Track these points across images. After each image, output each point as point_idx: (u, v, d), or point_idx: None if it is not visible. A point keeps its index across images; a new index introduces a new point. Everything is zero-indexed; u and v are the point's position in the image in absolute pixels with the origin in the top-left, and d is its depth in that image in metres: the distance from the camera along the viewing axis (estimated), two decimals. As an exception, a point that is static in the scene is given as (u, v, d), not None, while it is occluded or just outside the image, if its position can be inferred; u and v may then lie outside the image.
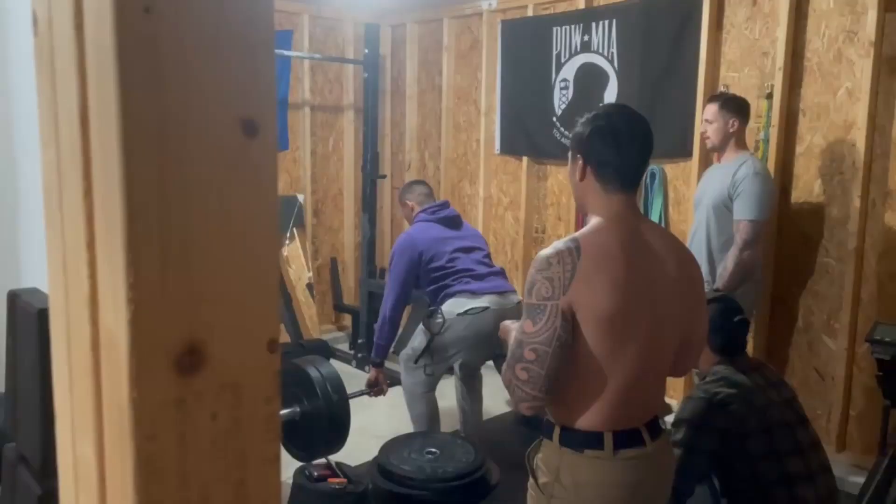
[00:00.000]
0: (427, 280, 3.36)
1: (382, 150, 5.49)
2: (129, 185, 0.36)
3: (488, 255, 3.51)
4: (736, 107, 3.17)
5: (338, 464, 2.79)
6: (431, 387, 3.40)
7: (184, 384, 0.39)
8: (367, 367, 4.78)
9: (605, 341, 1.57)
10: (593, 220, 1.68)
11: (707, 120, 3.21)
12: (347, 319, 5.50)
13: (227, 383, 0.40)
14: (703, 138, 3.30)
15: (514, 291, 3.41)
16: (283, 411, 3.20)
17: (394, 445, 3.13)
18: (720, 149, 3.22)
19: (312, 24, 5.14)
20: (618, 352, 1.59)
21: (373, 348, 3.54)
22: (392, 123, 5.65)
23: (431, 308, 3.33)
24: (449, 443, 3.18)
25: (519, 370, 1.58)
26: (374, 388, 3.58)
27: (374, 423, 3.97)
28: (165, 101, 0.36)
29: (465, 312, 3.21)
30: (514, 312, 3.25)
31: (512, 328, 1.76)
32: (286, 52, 4.84)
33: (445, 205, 3.56)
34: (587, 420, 1.63)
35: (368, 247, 4.94)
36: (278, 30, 4.97)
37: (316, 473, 2.63)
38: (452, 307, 3.25)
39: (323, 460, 2.78)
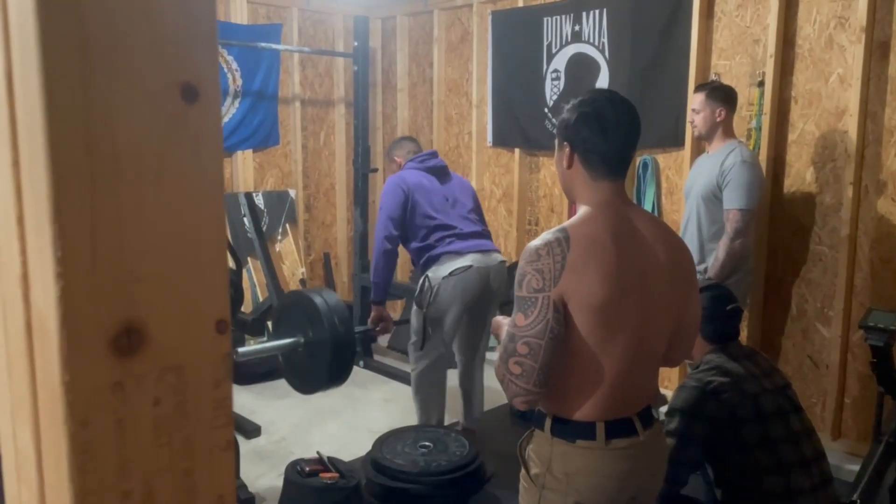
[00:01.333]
0: (412, 232, 3.32)
1: (374, 143, 5.45)
2: (55, 154, 0.33)
3: (474, 210, 3.46)
4: (723, 95, 3.15)
5: (330, 458, 2.77)
6: (438, 371, 3.39)
7: (121, 367, 0.36)
8: (361, 363, 4.77)
9: (597, 331, 1.55)
10: (582, 209, 1.65)
11: (694, 109, 3.20)
12: (341, 314, 5.47)
13: (171, 366, 0.38)
14: (692, 128, 3.30)
15: (497, 250, 3.41)
16: (286, 341, 3.15)
17: (387, 440, 3.11)
18: (707, 138, 3.21)
19: (302, 17, 5.10)
20: (609, 341, 1.57)
21: (371, 290, 3.44)
22: (384, 117, 5.62)
23: (420, 282, 3.30)
24: (442, 436, 3.17)
25: (512, 364, 1.55)
26: (381, 324, 3.50)
27: (368, 418, 3.95)
28: (91, 65, 0.34)
29: (451, 274, 3.20)
30: (498, 271, 3.30)
31: (504, 323, 1.73)
32: (275, 46, 4.80)
33: (433, 154, 3.51)
34: (579, 410, 1.61)
35: (361, 241, 4.91)
36: (267, 24, 4.94)
37: (307, 468, 2.61)
38: (437, 272, 3.24)
39: (315, 455, 2.76)
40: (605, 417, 1.61)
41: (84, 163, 0.34)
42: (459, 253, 3.24)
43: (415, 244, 3.34)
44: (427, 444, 3.07)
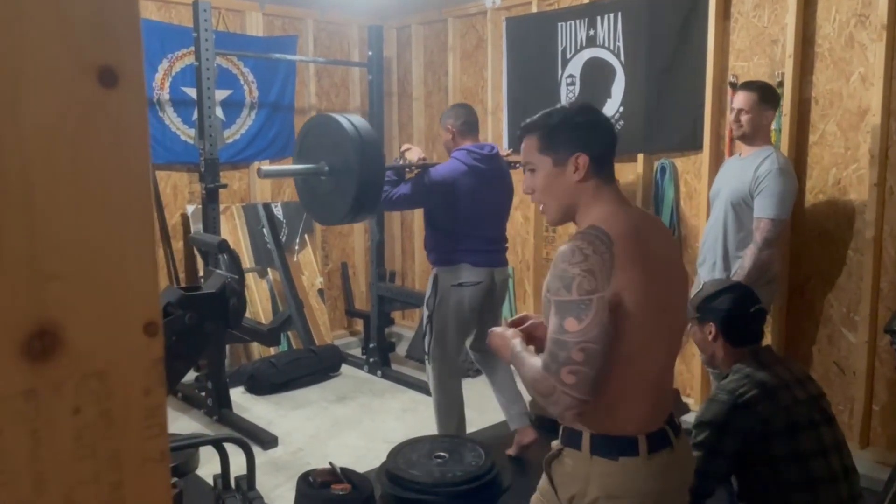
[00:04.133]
0: (441, 221, 3.27)
1: (390, 152, 5.43)
2: (-49, 141, 0.31)
3: (505, 219, 3.45)
4: (773, 97, 3.06)
5: (343, 469, 2.74)
6: (453, 374, 3.36)
7: (34, 372, 0.34)
8: (378, 372, 4.75)
9: (641, 334, 1.48)
10: (597, 211, 1.57)
11: (742, 109, 3.03)
12: (359, 324, 5.46)
13: (92, 372, 0.35)
14: (734, 127, 3.10)
15: (506, 263, 3.45)
16: (309, 166, 3.01)
17: (402, 450, 3.07)
18: (750, 140, 3.07)
19: (317, 28, 5.12)
20: (650, 345, 1.50)
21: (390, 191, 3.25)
22: (400, 125, 5.61)
23: (431, 280, 3.33)
24: (458, 446, 3.12)
25: (566, 374, 1.43)
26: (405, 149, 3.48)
27: (385, 428, 3.92)
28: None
29: (460, 284, 3.23)
30: (503, 286, 3.39)
31: (508, 337, 1.67)
32: (290, 57, 4.82)
33: (493, 149, 3.39)
34: (620, 423, 1.52)
35: (378, 251, 4.89)
36: (283, 35, 4.96)
37: (319, 480, 2.58)
38: (447, 277, 3.26)
39: (327, 465, 2.73)
40: (646, 429, 1.52)
41: (-16, 151, 0.32)
42: (475, 265, 3.26)
43: (438, 233, 3.30)
44: (442, 454, 3.02)
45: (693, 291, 2.84)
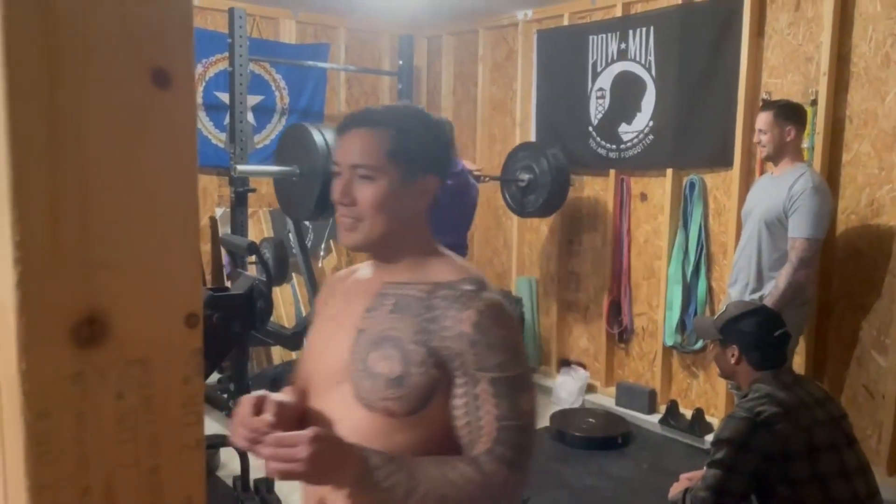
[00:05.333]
0: None
1: (418, 161, 5.47)
2: (15, 136, 0.33)
3: (466, 232, 3.59)
4: (792, 114, 3.02)
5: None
6: None
7: (82, 357, 0.35)
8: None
9: None
10: (449, 258, 1.30)
11: (761, 129, 3.03)
12: (382, 331, 5.48)
13: (135, 359, 0.37)
14: (758, 148, 3.12)
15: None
16: (283, 168, 3.50)
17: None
18: (775, 159, 3.05)
19: (349, 36, 5.18)
20: None
21: None
22: (428, 135, 5.64)
23: None
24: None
25: (529, 462, 1.21)
26: None
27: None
28: (57, 47, 0.33)
29: None
30: None
31: (341, 441, 1.06)
32: (321, 64, 4.88)
33: (459, 171, 3.37)
34: None
35: (403, 258, 4.91)
36: (315, 43, 5.02)
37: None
38: None
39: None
40: None
41: (46, 147, 0.33)
42: None
43: None
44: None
45: (719, 312, 2.83)
